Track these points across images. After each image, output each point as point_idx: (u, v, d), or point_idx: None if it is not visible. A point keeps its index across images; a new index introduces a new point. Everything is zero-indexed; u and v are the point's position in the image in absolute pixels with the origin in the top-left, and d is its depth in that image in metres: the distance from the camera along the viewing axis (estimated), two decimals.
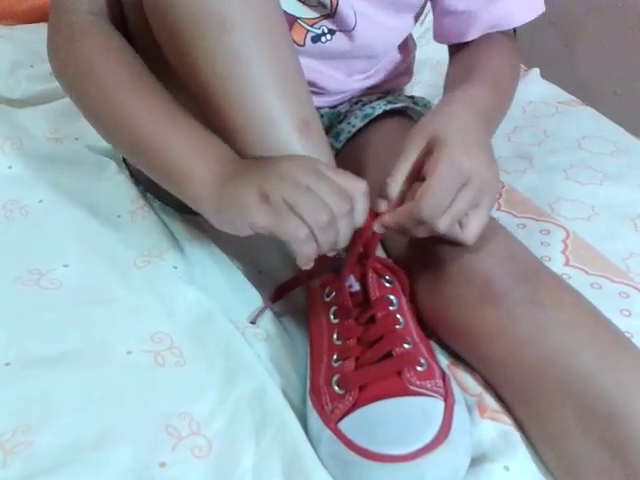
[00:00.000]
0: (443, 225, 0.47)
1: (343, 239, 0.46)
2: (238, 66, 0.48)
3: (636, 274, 0.66)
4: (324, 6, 0.63)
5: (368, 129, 0.69)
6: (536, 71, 1.04)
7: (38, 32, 0.94)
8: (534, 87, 0.99)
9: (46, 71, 0.80)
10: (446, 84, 0.67)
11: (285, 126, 0.50)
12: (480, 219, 0.50)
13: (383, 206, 0.49)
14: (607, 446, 0.43)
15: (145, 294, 0.57)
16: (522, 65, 1.10)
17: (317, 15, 0.64)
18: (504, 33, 0.68)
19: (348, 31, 0.65)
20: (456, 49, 0.70)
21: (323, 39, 0.65)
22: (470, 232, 0.50)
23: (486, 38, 0.67)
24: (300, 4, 0.63)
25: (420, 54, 0.86)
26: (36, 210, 0.68)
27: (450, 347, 0.55)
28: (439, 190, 0.46)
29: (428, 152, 0.49)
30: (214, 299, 0.57)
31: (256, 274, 0.64)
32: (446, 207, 0.47)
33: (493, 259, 0.52)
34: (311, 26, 0.64)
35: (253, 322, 0.55)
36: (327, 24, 0.65)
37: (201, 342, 0.53)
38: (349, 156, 0.70)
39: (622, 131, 0.90)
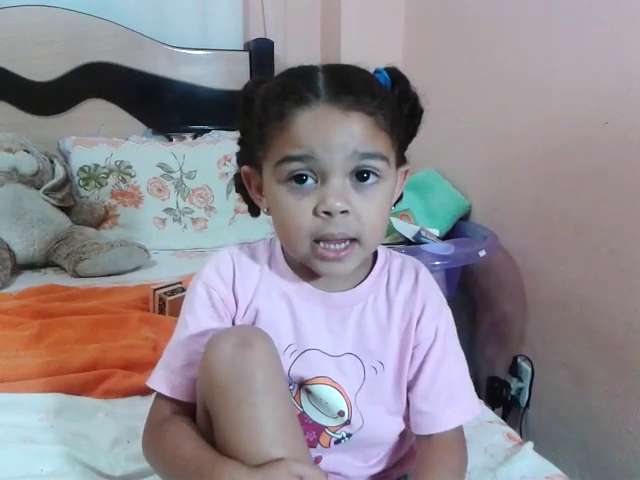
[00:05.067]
0: None
1: None
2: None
3: None
4: (342, 415, 0.89)
5: None
6: (529, 445, 1.21)
7: (135, 406, 1.22)
8: (526, 462, 1.15)
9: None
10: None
11: None
12: None
13: None
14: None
15: None
16: (518, 438, 1.30)
17: (338, 424, 0.90)
18: (457, 430, 0.92)
19: (359, 429, 0.90)
20: (423, 440, 0.92)
21: (343, 441, 0.91)
22: None
23: (442, 437, 0.90)
24: (325, 416, 0.90)
25: None
26: None
27: None
28: None
29: None
30: None
31: None
32: None
33: None
34: (334, 432, 0.90)
35: None
36: (345, 430, 0.90)
37: None
38: None
39: None
